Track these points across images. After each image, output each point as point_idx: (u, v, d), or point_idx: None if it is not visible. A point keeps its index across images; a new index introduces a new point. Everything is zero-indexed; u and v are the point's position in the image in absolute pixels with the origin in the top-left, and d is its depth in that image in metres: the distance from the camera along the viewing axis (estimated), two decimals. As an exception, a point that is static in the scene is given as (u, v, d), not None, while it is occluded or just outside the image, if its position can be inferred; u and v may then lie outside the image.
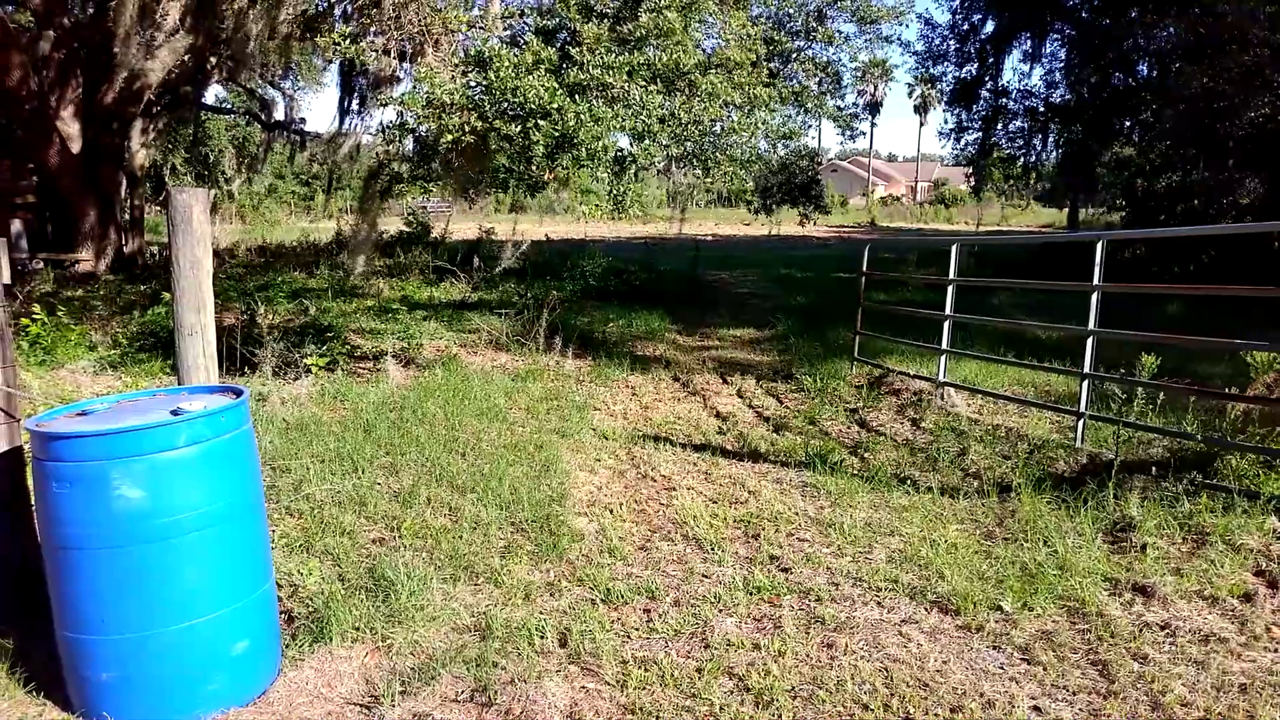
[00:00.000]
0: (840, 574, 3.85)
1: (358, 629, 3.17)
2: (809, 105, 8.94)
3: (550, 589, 3.69)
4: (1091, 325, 5.47)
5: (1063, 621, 3.39)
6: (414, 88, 6.36)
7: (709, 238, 29.23)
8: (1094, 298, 5.43)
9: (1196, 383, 6.47)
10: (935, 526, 4.40)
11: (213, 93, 27.25)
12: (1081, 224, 26.50)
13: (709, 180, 7.59)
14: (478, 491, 4.66)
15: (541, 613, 3.46)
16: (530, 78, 6.26)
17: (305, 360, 7.29)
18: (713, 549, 4.11)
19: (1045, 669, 3.04)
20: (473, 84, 6.70)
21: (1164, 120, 15.88)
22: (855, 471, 5.34)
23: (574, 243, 22.54)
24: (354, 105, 17.72)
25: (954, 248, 6.98)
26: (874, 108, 63.67)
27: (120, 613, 2.49)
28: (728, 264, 19.46)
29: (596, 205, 8.52)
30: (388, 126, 7.06)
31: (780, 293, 14.67)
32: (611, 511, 4.59)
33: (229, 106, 26.14)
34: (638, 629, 3.36)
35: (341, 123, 17.92)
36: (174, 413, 2.62)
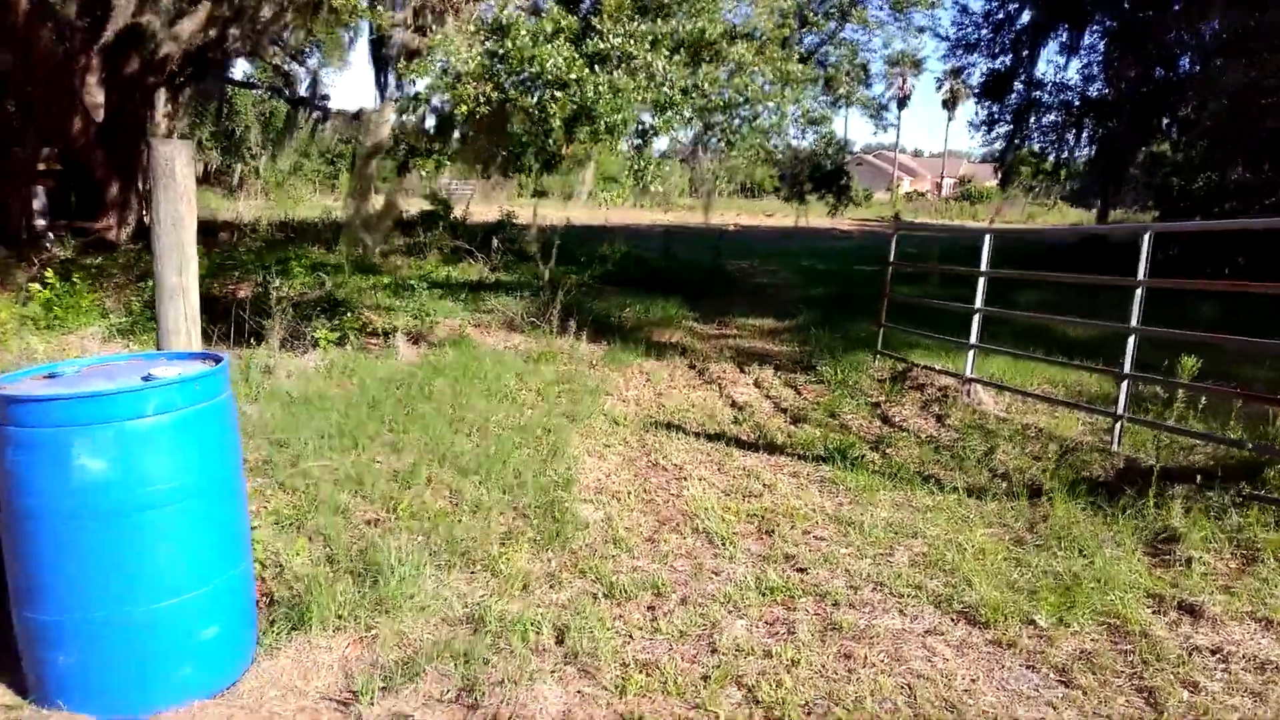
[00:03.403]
0: (860, 577, 3.61)
1: (341, 617, 2.97)
2: (841, 90, 8.62)
3: (550, 580, 3.47)
4: (1134, 323, 5.17)
5: (1103, 640, 3.13)
6: (428, 55, 6.13)
7: (731, 227, 28.84)
8: (1137, 294, 5.12)
9: (1241, 386, 6.14)
10: (961, 529, 4.15)
11: (240, 68, 27.20)
12: (1111, 223, 25.89)
13: (734, 154, 7.28)
14: (481, 474, 4.46)
15: (539, 606, 3.25)
16: (549, 46, 6.01)
17: (315, 333, 7.12)
18: (724, 544, 3.88)
19: (1086, 694, 2.79)
20: (489, 52, 6.46)
21: (1205, 116, 15.37)
22: (876, 468, 5.08)
23: (595, 229, 22.29)
24: (388, 81, 17.49)
25: (987, 237, 6.67)
26: (901, 102, 62.80)
27: (80, 591, 2.30)
28: (749, 254, 19.13)
29: (619, 194, 8.25)
30: (401, 98, 6.83)
31: (802, 283, 14.36)
32: (619, 500, 4.37)
33: (255, 82, 26.08)
34: (641, 628, 3.13)
35: (382, 100, 17.70)
36: (145, 378, 2.42)
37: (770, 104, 7.17)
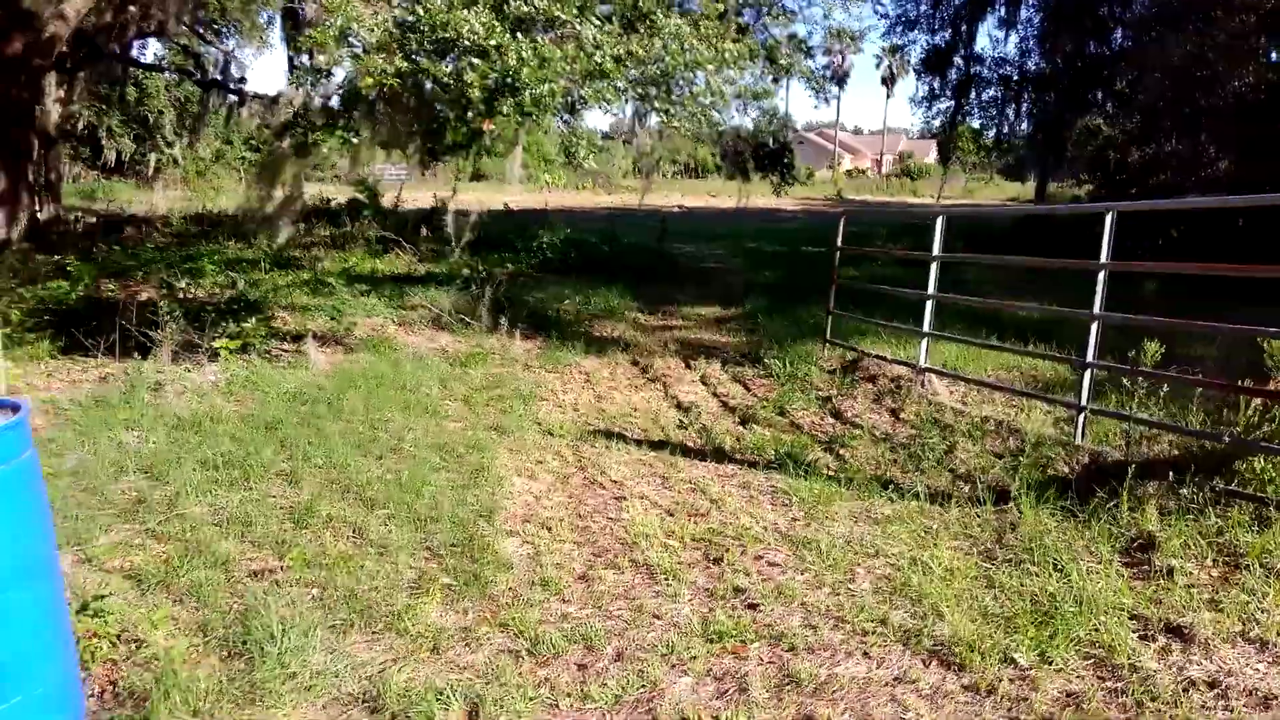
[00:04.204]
0: (818, 611, 3.21)
1: (196, 714, 2.45)
2: (782, 61, 8.19)
3: (465, 637, 2.99)
4: (1097, 309, 4.86)
5: (1090, 678, 2.78)
6: (326, 22, 5.51)
7: (675, 209, 28.41)
8: (1100, 277, 4.81)
9: (1208, 374, 5.91)
10: (925, 544, 3.78)
11: (153, 50, 25.58)
12: (1049, 197, 26.12)
13: (673, 123, 6.80)
14: (390, 506, 3.94)
15: (450, 671, 2.78)
16: (465, 12, 5.46)
17: (215, 343, 6.46)
18: (667, 578, 3.44)
19: (1076, 747, 2.43)
20: (399, 21, 5.87)
21: (1140, 90, 15.38)
22: (832, 473, 4.71)
23: (535, 213, 21.56)
24: (301, 60, 16.52)
25: (939, 221, 6.33)
26: (841, 80, 62.88)
27: None
28: (694, 236, 18.72)
29: (552, 174, 7.69)
30: (297, 68, 6.19)
31: (748, 267, 13.98)
32: (549, 529, 3.89)
33: (163, 64, 24.54)
34: (569, 695, 2.68)
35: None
36: (-98, 443, 1.86)
37: (710, 68, 6.68)
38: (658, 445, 5.17)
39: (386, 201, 17.52)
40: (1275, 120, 13.10)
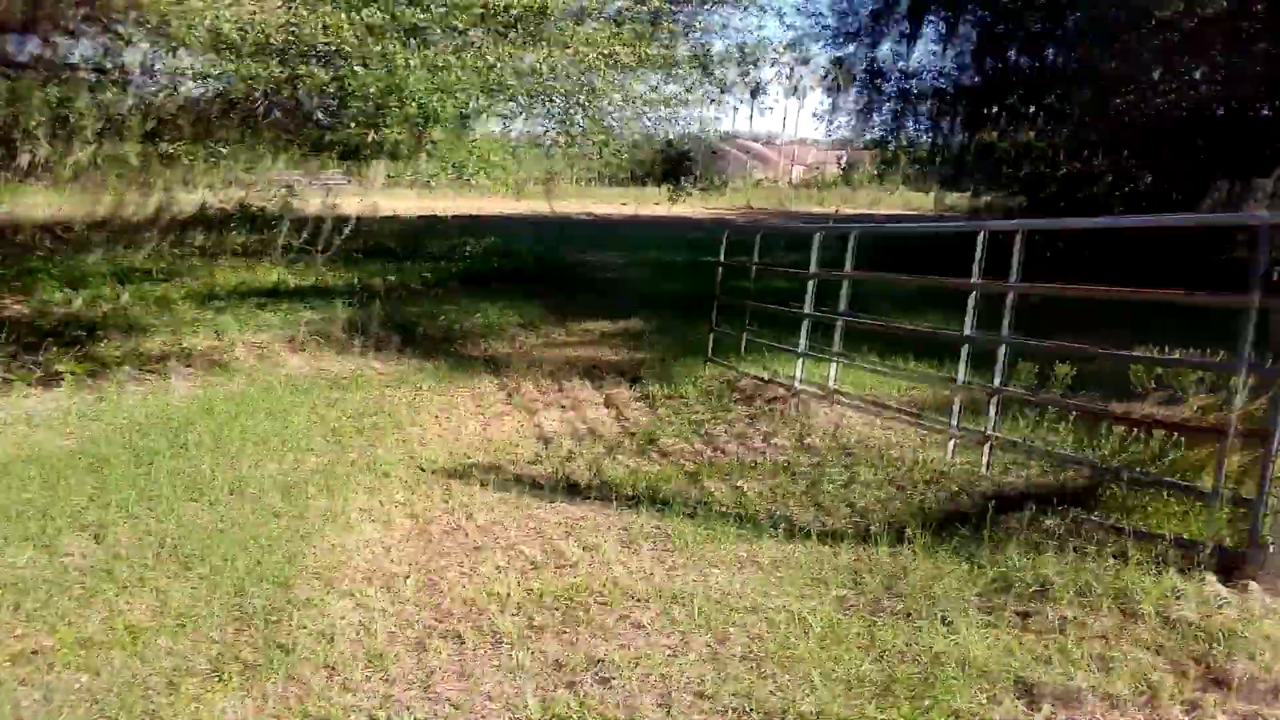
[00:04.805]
0: (678, 684, 2.83)
1: None
2: (715, 72, 7.88)
3: (255, 735, 2.54)
4: (967, 330, 4.63)
5: (965, 766, 2.46)
6: (192, 21, 4.98)
7: (584, 216, 27.95)
8: (1009, 299, 4.55)
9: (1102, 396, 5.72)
10: (810, 594, 3.45)
11: (79, 52, 24.23)
12: (950, 208, 26.19)
13: (572, 148, 6.51)
14: (209, 564, 3.45)
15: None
16: (351, 16, 5.01)
17: (57, 365, 5.84)
18: (513, 648, 3.03)
19: None
20: (276, 20, 5.38)
21: (1069, 105, 15.59)
22: (724, 508, 4.36)
23: (466, 219, 20.90)
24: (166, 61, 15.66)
25: (816, 236, 6.09)
26: (754, 91, 62.92)
27: None
28: (600, 244, 18.35)
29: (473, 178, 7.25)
30: (160, 72, 5.66)
31: (649, 277, 13.61)
32: (390, 589, 3.44)
33: (81, 64, 23.26)
34: (362, 811, 2.25)
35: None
36: None
37: (615, 95, 6.36)
38: (538, 481, 4.75)
39: (312, 209, 16.73)
40: (1194, 137, 13.38)
